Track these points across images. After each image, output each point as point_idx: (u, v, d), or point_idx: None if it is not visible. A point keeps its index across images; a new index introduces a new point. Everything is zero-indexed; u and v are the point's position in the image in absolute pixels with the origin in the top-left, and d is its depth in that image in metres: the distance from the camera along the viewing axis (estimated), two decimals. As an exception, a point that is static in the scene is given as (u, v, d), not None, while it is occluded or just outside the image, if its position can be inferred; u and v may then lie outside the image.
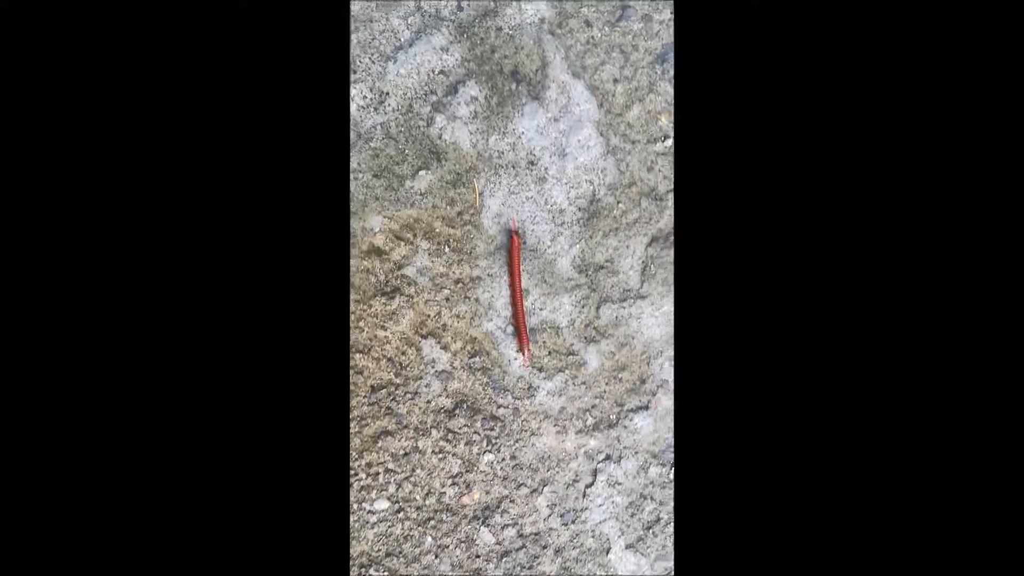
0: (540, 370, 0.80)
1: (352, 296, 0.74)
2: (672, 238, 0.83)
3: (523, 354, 0.76)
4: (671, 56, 0.82)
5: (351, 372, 0.74)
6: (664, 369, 0.84)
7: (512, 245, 0.73)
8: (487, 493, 0.78)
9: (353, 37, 0.72)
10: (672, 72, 0.82)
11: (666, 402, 0.84)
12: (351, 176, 0.73)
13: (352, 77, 0.72)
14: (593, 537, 0.81)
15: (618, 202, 0.81)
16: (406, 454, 0.76)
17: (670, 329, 0.83)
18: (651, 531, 0.83)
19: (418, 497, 0.76)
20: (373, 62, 0.72)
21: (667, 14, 0.82)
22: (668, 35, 0.82)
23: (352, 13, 0.72)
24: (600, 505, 0.81)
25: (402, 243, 0.75)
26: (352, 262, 0.74)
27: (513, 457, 0.79)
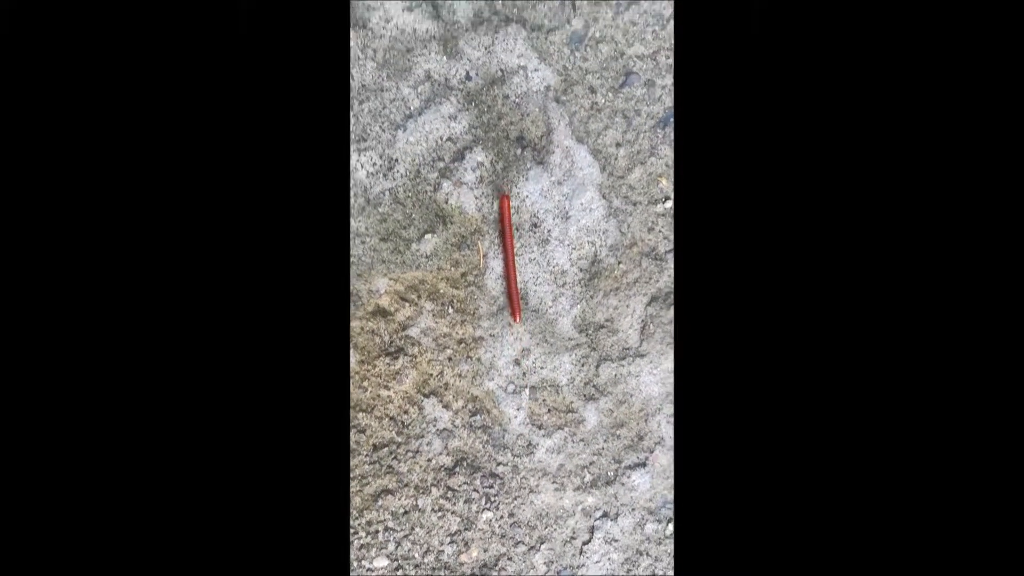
0: (539, 427, 0.83)
1: (357, 357, 0.77)
2: (671, 297, 0.86)
3: (514, 317, 0.78)
4: (672, 120, 0.86)
5: (354, 431, 0.76)
6: (662, 427, 0.87)
7: (503, 209, 0.75)
8: (485, 551, 0.80)
9: (364, 106, 0.75)
10: (673, 135, 0.86)
11: (663, 459, 0.87)
12: (359, 240, 0.76)
13: (362, 145, 0.75)
14: (590, 596, 0.84)
15: (619, 262, 0.84)
16: (406, 512, 0.79)
17: (668, 387, 0.86)
18: (647, 589, 0.85)
19: (417, 555, 0.78)
20: (383, 130, 0.76)
21: (668, 80, 0.86)
22: (669, 100, 0.86)
23: (364, 83, 0.75)
24: (597, 562, 0.84)
25: (407, 304, 0.78)
26: (357, 323, 0.77)
27: (511, 515, 0.81)
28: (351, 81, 0.76)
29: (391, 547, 0.77)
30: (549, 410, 0.83)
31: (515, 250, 0.77)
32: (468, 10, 0.78)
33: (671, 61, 0.85)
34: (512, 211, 0.81)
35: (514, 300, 0.78)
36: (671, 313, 0.87)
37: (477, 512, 0.80)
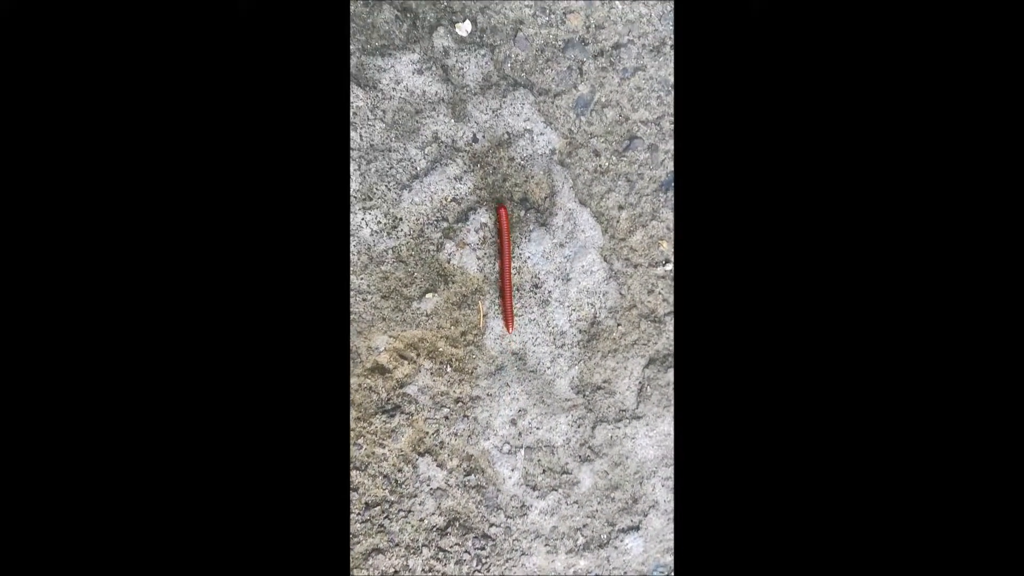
0: (533, 488, 0.83)
1: (354, 413, 0.77)
2: (669, 359, 0.87)
3: (507, 326, 0.78)
4: (674, 184, 0.88)
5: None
6: (656, 490, 0.87)
7: (500, 218, 0.76)
8: (475, 615, 0.80)
9: (371, 166, 0.77)
10: (674, 199, 0.87)
11: (657, 522, 0.87)
12: (360, 297, 0.77)
13: (368, 204, 0.77)
14: (579, 664, 0.83)
15: (618, 324, 0.85)
16: (396, 573, 0.78)
17: (663, 450, 0.87)
18: (637, 659, 0.85)
19: (406, 618, 0.78)
20: (389, 189, 0.77)
21: (671, 145, 0.88)
22: (671, 164, 0.88)
23: (372, 143, 0.77)
24: (587, 628, 0.84)
25: (406, 362, 0.79)
26: (355, 380, 0.78)
27: (503, 578, 0.81)
28: (359, 141, 0.78)
29: (379, 609, 0.77)
30: (544, 471, 0.83)
31: (511, 269, 0.78)
32: (477, 74, 0.81)
33: (673, 127, 0.87)
34: (514, 271, 0.82)
35: (508, 309, 0.79)
36: (668, 375, 0.88)
37: (468, 574, 0.80)
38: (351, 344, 0.78)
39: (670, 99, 0.87)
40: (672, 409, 0.88)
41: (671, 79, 0.87)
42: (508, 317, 0.80)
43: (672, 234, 0.88)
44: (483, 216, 0.81)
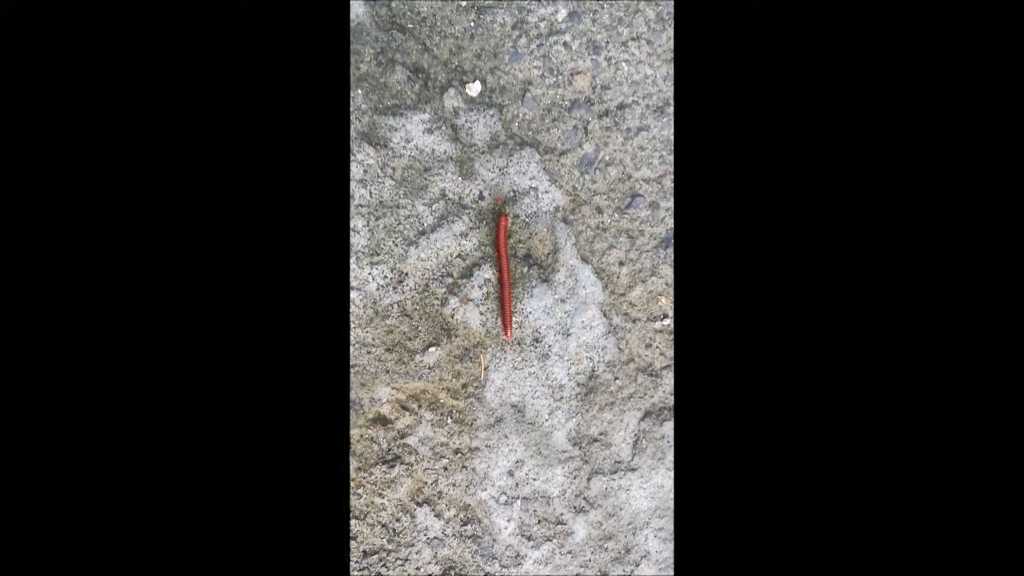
0: (528, 538, 0.85)
1: (355, 464, 0.79)
2: (664, 413, 0.90)
3: (506, 332, 0.81)
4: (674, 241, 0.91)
5: (346, 540, 0.78)
6: (649, 540, 0.89)
7: (500, 229, 0.80)
8: (468, 665, 0.82)
9: (380, 222, 0.80)
10: (673, 256, 0.90)
11: (649, 572, 0.89)
12: (365, 350, 0.79)
13: (375, 259, 0.79)
14: None
15: (615, 378, 0.88)
16: (391, 621, 0.80)
17: (657, 501, 0.89)
18: None
19: (400, 667, 0.80)
20: (396, 245, 0.80)
21: (672, 202, 0.91)
22: (672, 221, 0.91)
23: (381, 199, 0.79)
24: None
25: (407, 413, 0.81)
26: (357, 431, 0.80)
27: (496, 627, 0.83)
28: (369, 197, 0.80)
29: (374, 658, 0.79)
30: (539, 521, 0.85)
31: (511, 282, 0.81)
32: (485, 133, 0.84)
33: (674, 185, 0.90)
34: (516, 326, 0.85)
35: (507, 317, 0.81)
36: (663, 428, 0.90)
37: (461, 623, 0.82)
38: (355, 396, 0.81)
39: (672, 158, 0.90)
40: (666, 461, 0.91)
41: (672, 138, 0.90)
42: (507, 325, 0.82)
43: (670, 289, 0.91)
44: (487, 272, 0.84)
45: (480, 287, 0.83)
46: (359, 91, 0.80)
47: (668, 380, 0.92)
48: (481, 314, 0.83)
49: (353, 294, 0.80)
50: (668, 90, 0.90)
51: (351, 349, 0.81)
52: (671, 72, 0.89)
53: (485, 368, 0.83)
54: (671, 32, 0.89)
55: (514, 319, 0.85)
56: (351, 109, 0.80)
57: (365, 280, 0.81)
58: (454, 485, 0.83)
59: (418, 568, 0.81)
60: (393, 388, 0.81)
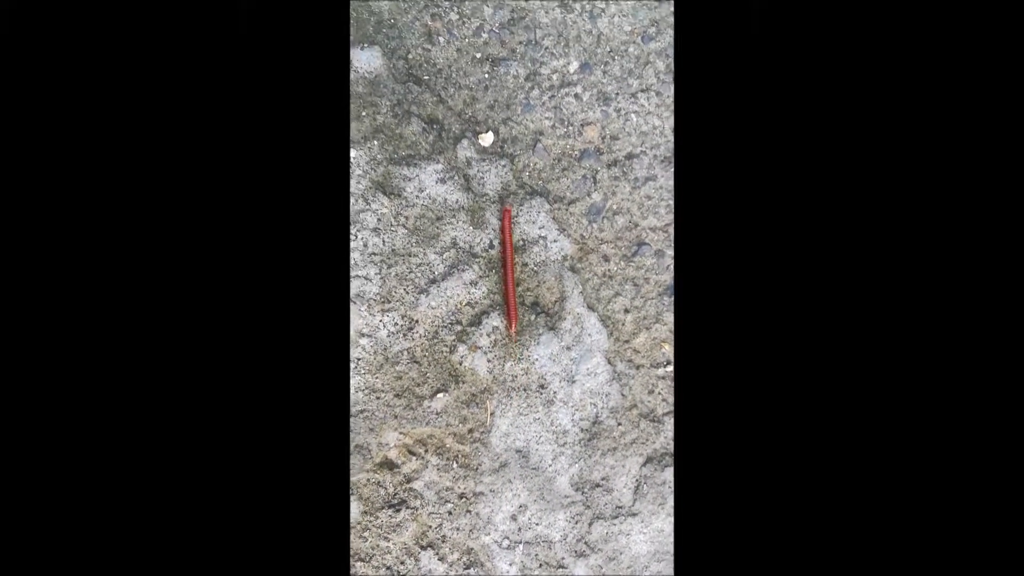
0: (530, 582, 0.87)
1: (361, 507, 0.81)
2: (666, 458, 0.92)
3: (510, 327, 0.83)
4: (678, 288, 0.93)
5: (351, 584, 0.80)
6: (647, 584, 0.91)
7: (504, 221, 0.82)
8: None
9: (392, 270, 0.82)
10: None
11: (646, 616, 0.91)
12: (375, 395, 0.81)
13: (387, 306, 0.81)
14: None
15: (618, 424, 0.90)
16: (393, 664, 0.82)
17: (656, 546, 0.91)
18: None
19: None
20: (407, 293, 0.82)
21: (678, 251, 0.93)
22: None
23: (394, 247, 0.81)
24: None
25: (414, 458, 0.83)
26: (364, 475, 0.81)
27: (496, 671, 0.85)
28: (382, 246, 0.82)
29: None
30: (540, 565, 0.87)
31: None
32: (497, 183, 0.86)
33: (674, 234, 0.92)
34: (523, 372, 0.87)
35: (511, 310, 0.83)
36: (664, 474, 0.93)
37: (462, 666, 0.83)
38: (363, 440, 0.82)
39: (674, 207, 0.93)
40: (667, 506, 0.93)
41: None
42: (512, 319, 0.84)
43: (673, 337, 0.93)
44: (495, 320, 0.86)
45: (488, 335, 0.85)
46: (375, 142, 0.82)
47: (670, 426, 0.94)
48: (489, 361, 0.85)
49: (364, 341, 0.82)
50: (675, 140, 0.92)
51: (360, 395, 0.82)
52: (679, 125, 0.92)
53: (492, 413, 0.85)
54: (680, 86, 0.92)
55: (520, 366, 0.87)
56: (367, 160, 0.82)
57: (376, 327, 0.83)
58: (458, 529, 0.84)
59: (421, 611, 0.83)
60: (401, 433, 0.83)
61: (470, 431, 0.86)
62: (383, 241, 0.83)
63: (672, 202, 0.93)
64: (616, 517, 0.91)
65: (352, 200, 0.82)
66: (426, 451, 0.84)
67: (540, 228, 0.88)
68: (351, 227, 0.81)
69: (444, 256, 0.84)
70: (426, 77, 0.84)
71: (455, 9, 0.84)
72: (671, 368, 0.93)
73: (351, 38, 0.82)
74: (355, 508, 0.83)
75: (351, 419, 0.82)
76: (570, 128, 0.89)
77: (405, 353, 0.83)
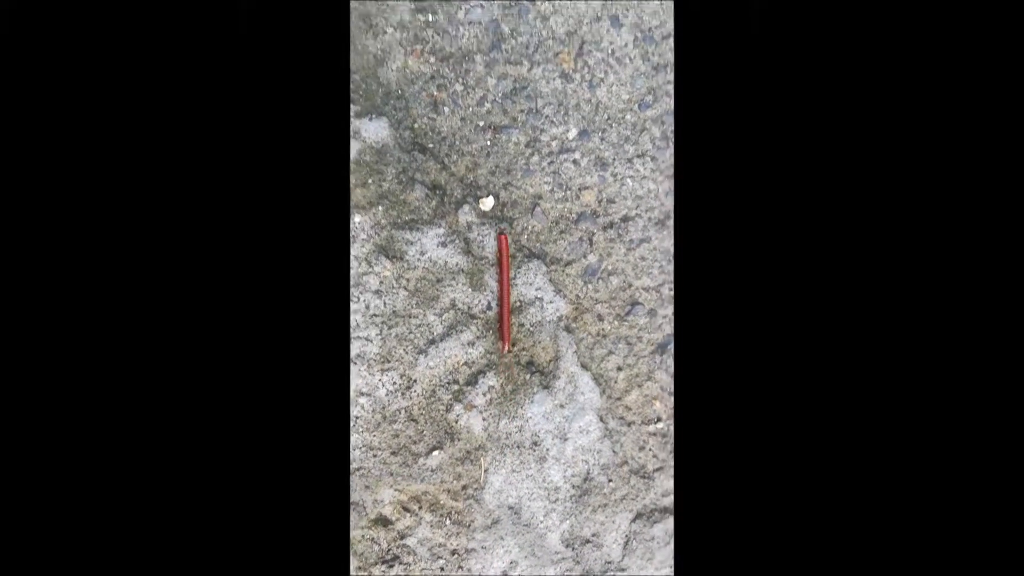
0: (519, 637, 0.89)
1: (356, 563, 0.83)
2: (655, 515, 0.94)
3: (503, 345, 0.87)
4: (670, 347, 0.97)
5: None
6: (634, 640, 0.93)
7: (502, 246, 0.85)
8: None
9: (392, 331, 0.85)
10: (670, 362, 0.96)
11: (633, 671, 0.93)
12: (372, 453, 0.84)
13: (386, 366, 0.84)
14: None
15: (609, 480, 0.93)
16: None
17: (644, 601, 0.93)
18: None
19: None
20: (407, 353, 0.85)
21: (669, 310, 0.97)
22: (669, 327, 0.97)
23: (395, 309, 0.84)
24: None
25: (408, 514, 0.85)
26: (359, 531, 0.84)
27: None
28: (383, 307, 0.85)
29: None
30: (530, 620, 0.89)
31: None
32: (496, 246, 0.89)
33: (673, 293, 0.96)
34: (516, 430, 0.89)
35: (505, 332, 0.86)
36: (653, 530, 0.95)
37: None
38: (359, 497, 0.85)
39: (671, 267, 0.96)
40: (655, 561, 0.95)
41: (672, 249, 0.96)
42: (505, 339, 0.86)
43: (664, 393, 0.96)
44: (491, 379, 0.89)
45: (484, 394, 0.88)
46: (380, 207, 0.86)
47: (660, 482, 0.96)
48: (484, 420, 0.88)
49: (363, 400, 0.85)
50: (669, 204, 0.96)
51: (358, 453, 0.85)
52: (672, 187, 0.96)
53: (485, 470, 0.88)
54: (672, 149, 0.96)
55: (514, 423, 0.89)
56: (371, 224, 0.86)
57: (376, 386, 0.85)
58: (450, 584, 0.87)
59: (411, 666, 0.85)
60: (396, 490, 0.85)
61: (464, 488, 0.88)
62: (384, 303, 0.86)
63: (665, 263, 0.97)
64: (606, 573, 0.93)
65: (356, 263, 0.85)
66: (420, 507, 0.87)
67: (537, 289, 0.91)
68: (354, 290, 0.85)
69: (443, 317, 0.87)
70: (431, 145, 0.88)
71: (460, 80, 0.88)
72: (662, 424, 0.96)
73: (359, 109, 0.86)
74: (350, 564, 0.85)
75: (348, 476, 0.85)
76: (568, 192, 0.93)
77: (403, 411, 0.86)
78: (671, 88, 0.96)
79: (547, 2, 0.92)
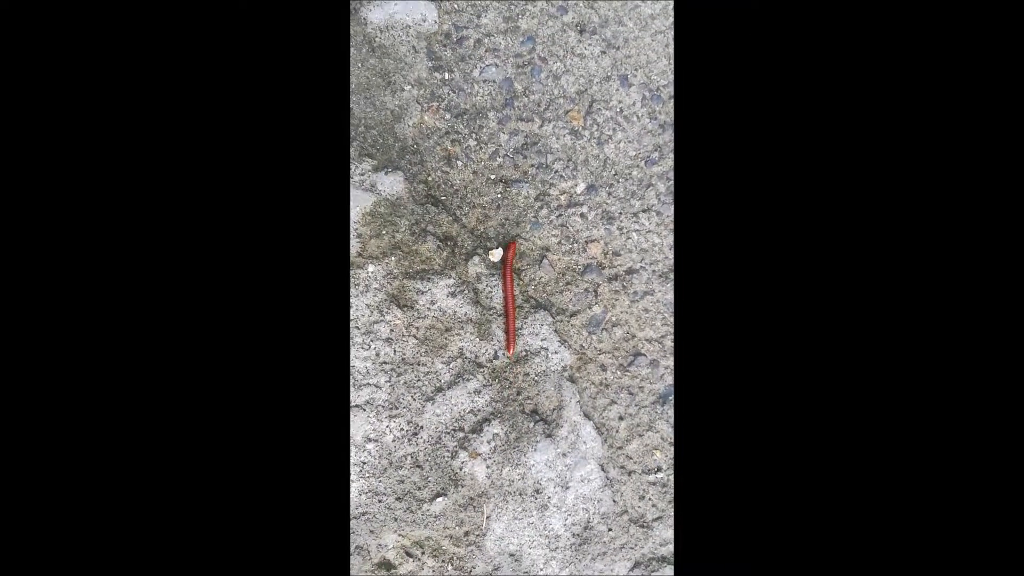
0: None
1: (356, 608, 0.85)
2: (652, 564, 0.96)
3: (508, 348, 0.90)
4: (671, 397, 1.00)
5: None
6: None
7: (508, 251, 0.89)
8: None
9: (401, 378, 0.88)
10: (671, 412, 0.99)
11: None
12: (377, 499, 0.86)
13: (394, 412, 0.87)
14: None
15: (609, 529, 0.95)
16: None
17: (641, 651, 0.95)
18: None
19: None
20: (414, 400, 0.88)
21: (670, 361, 1.00)
22: (670, 378, 1.00)
23: (404, 357, 0.88)
24: None
25: (411, 559, 0.87)
26: (363, 575, 0.86)
27: None
28: (393, 355, 0.89)
29: None
30: (527, 668, 0.91)
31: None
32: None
33: (674, 344, 0.99)
34: (519, 478, 0.92)
35: (510, 335, 0.89)
36: (651, 579, 0.97)
37: None
38: (363, 542, 0.87)
39: (672, 319, 1.00)
40: (652, 611, 0.97)
41: (673, 301, 1.00)
42: (511, 342, 0.89)
43: (664, 443, 0.99)
44: (496, 427, 0.92)
45: (488, 442, 0.91)
46: (392, 258, 0.90)
47: (659, 531, 0.99)
48: (488, 467, 0.91)
49: (370, 445, 0.88)
50: (673, 257, 1.00)
51: (364, 498, 0.88)
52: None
53: (488, 517, 0.90)
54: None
55: (517, 471, 0.92)
56: (383, 274, 0.89)
57: (383, 432, 0.88)
58: (449, 631, 0.89)
59: None
60: (400, 535, 0.88)
61: (466, 534, 0.91)
62: (394, 351, 0.89)
63: (668, 315, 1.00)
64: (603, 622, 0.95)
65: (368, 312, 0.88)
66: (423, 553, 0.89)
67: (542, 340, 0.94)
68: (365, 337, 0.88)
69: (451, 366, 0.90)
70: (443, 197, 0.92)
71: (474, 136, 0.93)
72: (662, 474, 0.99)
73: (376, 163, 0.90)
74: (351, 608, 0.87)
75: (352, 521, 0.87)
76: (575, 245, 0.97)
77: (409, 458, 0.89)
78: (677, 147, 1.00)
79: (559, 62, 0.97)
